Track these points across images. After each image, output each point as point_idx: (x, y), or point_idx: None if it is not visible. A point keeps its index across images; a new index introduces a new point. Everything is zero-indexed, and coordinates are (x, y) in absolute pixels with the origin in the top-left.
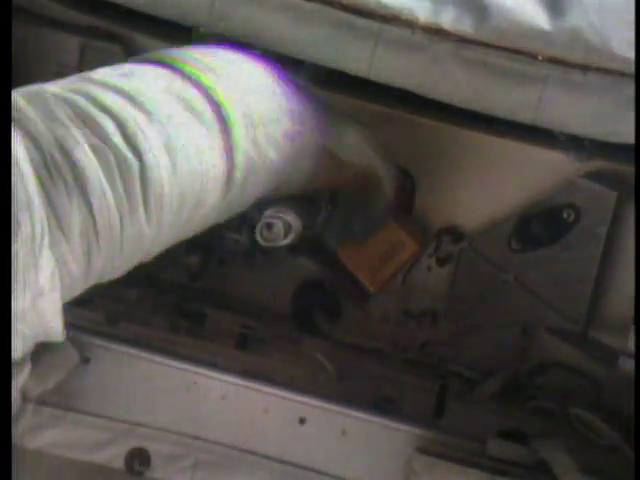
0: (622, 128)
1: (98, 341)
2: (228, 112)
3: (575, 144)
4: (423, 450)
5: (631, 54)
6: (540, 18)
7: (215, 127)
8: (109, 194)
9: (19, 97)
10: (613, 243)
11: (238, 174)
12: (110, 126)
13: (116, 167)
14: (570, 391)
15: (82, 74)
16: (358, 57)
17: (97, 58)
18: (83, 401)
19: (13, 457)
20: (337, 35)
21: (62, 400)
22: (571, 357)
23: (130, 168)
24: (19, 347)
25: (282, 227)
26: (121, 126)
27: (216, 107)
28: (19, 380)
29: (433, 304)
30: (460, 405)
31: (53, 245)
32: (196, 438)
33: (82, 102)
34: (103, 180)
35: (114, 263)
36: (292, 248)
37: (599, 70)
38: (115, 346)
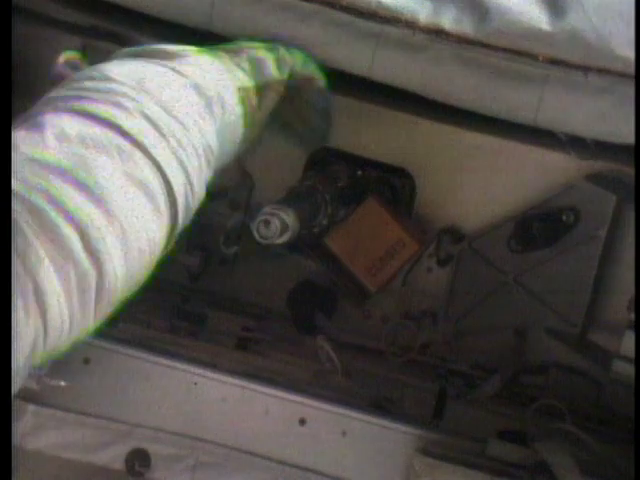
0: (622, 128)
1: (98, 342)
2: (167, 174)
3: (576, 145)
4: (423, 451)
5: (631, 54)
6: (540, 19)
7: (162, 201)
8: (65, 308)
9: None
10: (612, 245)
11: (180, 221)
12: (73, 239)
13: (75, 281)
14: (570, 392)
15: (30, 149)
16: (359, 58)
17: (97, 58)
18: (83, 402)
19: (13, 458)
20: (338, 36)
21: (62, 401)
22: (569, 359)
23: (88, 279)
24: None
25: (279, 225)
26: (83, 236)
27: (160, 174)
28: (18, 381)
29: (433, 305)
30: (460, 406)
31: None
32: (196, 439)
33: (43, 206)
34: (62, 297)
35: (55, 351)
36: (292, 248)
37: (599, 70)
38: (115, 347)
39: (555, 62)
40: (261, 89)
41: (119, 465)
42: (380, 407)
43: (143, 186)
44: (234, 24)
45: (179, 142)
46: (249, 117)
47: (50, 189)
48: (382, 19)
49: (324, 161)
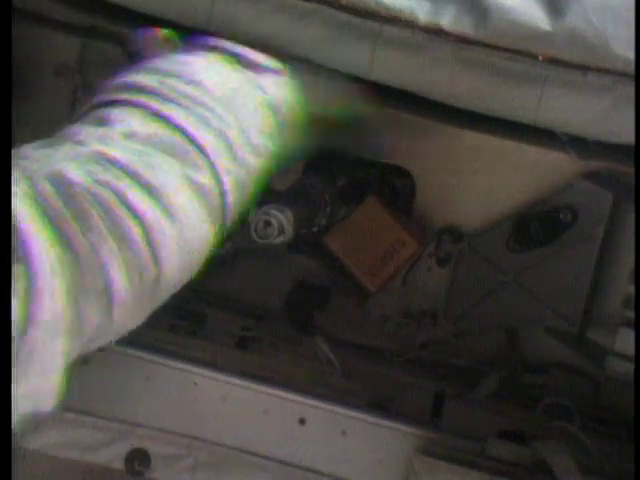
0: (622, 128)
1: None
2: (224, 182)
3: (575, 144)
4: (423, 450)
5: (631, 54)
6: (540, 18)
7: (216, 205)
8: (128, 301)
9: (46, 183)
10: (610, 243)
11: (228, 225)
12: (139, 236)
13: (138, 277)
14: (570, 392)
15: (97, 145)
16: (358, 57)
17: (97, 58)
18: (83, 401)
19: (13, 458)
20: (337, 35)
21: (61, 400)
22: (567, 357)
23: (148, 275)
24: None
25: (277, 224)
26: (146, 234)
27: (217, 181)
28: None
29: (433, 304)
30: (460, 405)
31: (67, 335)
32: (196, 439)
33: (111, 201)
34: (127, 291)
35: (105, 343)
36: (292, 248)
37: (599, 70)
38: (114, 346)
39: (555, 62)
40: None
41: (119, 465)
42: (380, 407)
43: (199, 189)
44: (234, 24)
45: (247, 169)
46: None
47: (119, 186)
48: (381, 18)
49: (324, 161)
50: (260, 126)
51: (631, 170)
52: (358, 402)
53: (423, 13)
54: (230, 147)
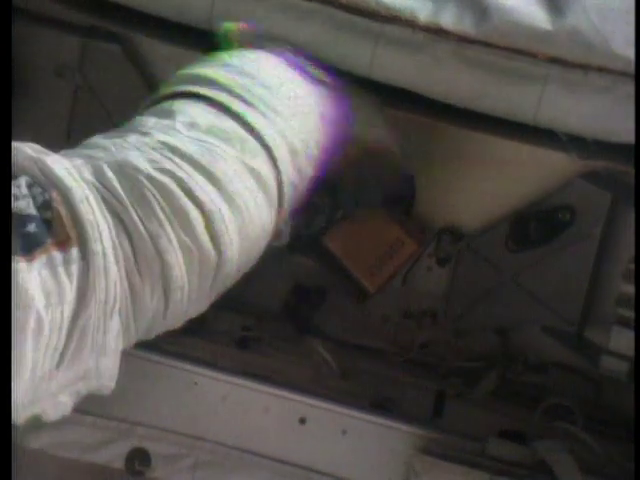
0: (622, 127)
1: None
2: (281, 171)
3: (575, 143)
4: (423, 450)
5: (631, 54)
6: (540, 18)
7: (274, 193)
8: (186, 287)
9: (109, 171)
10: (607, 243)
11: (286, 210)
12: (199, 222)
13: (198, 263)
14: (570, 392)
15: (162, 136)
16: (358, 56)
17: (97, 58)
18: (83, 401)
19: (14, 457)
20: (337, 34)
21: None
22: (566, 357)
23: (210, 263)
24: (70, 404)
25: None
26: (208, 220)
27: (275, 169)
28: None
29: (433, 304)
30: (460, 405)
31: (124, 315)
32: (196, 438)
33: (172, 188)
34: (185, 277)
35: (168, 328)
36: (292, 248)
37: (599, 70)
38: None
39: (555, 61)
40: None
41: (119, 464)
42: (380, 406)
43: (258, 176)
44: None
45: (302, 177)
46: None
47: (180, 173)
48: (382, 18)
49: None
50: (315, 138)
51: (631, 169)
52: (358, 402)
53: (423, 13)
54: (293, 152)
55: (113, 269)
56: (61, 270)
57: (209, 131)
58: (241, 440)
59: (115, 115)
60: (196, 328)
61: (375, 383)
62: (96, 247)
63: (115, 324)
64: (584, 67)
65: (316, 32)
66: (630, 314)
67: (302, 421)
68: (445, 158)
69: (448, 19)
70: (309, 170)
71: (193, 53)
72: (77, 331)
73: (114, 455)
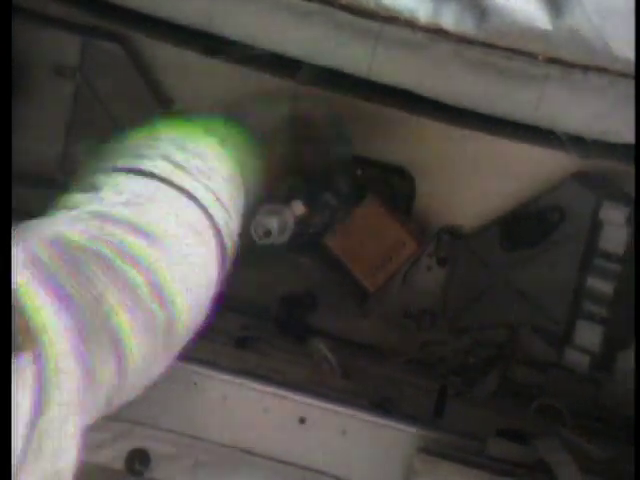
0: (622, 127)
1: None
2: (217, 222)
3: (575, 144)
4: (424, 450)
5: (631, 54)
6: (540, 18)
7: (212, 244)
8: (137, 351)
9: (45, 250)
10: (593, 244)
11: (228, 253)
12: (139, 281)
13: (144, 323)
14: (569, 391)
15: (89, 207)
16: (358, 57)
17: (98, 58)
18: None
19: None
20: (337, 35)
21: None
22: (552, 357)
23: (157, 322)
24: None
25: (277, 224)
26: (148, 279)
27: (213, 223)
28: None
29: (433, 304)
30: (460, 404)
31: (81, 403)
32: (196, 438)
33: (107, 253)
34: (136, 343)
35: (129, 397)
36: (291, 248)
37: (599, 70)
38: None
39: (555, 61)
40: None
41: (119, 465)
42: (380, 406)
43: (194, 230)
44: (233, 24)
45: (231, 235)
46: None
47: (112, 238)
48: (382, 18)
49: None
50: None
51: (631, 170)
52: (359, 402)
53: (423, 13)
54: (225, 199)
55: (67, 360)
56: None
57: (137, 195)
58: (241, 440)
59: (116, 115)
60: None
61: (374, 383)
62: (44, 339)
63: (74, 423)
64: (584, 67)
65: (315, 32)
66: (594, 308)
67: (302, 421)
68: (445, 158)
69: (448, 19)
70: (245, 207)
71: (193, 53)
72: (36, 435)
73: (114, 455)
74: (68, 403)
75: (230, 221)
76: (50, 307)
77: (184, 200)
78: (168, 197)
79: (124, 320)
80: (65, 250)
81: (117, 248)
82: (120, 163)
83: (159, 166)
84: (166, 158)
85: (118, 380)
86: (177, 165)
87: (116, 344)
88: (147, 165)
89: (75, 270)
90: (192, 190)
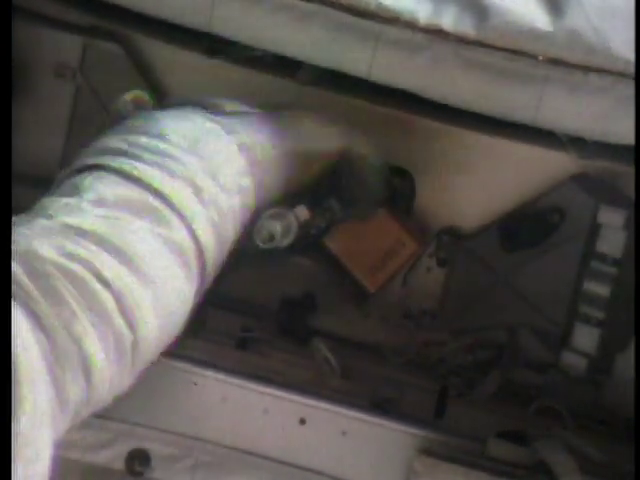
0: (622, 128)
1: None
2: (199, 237)
3: (575, 144)
4: (424, 451)
5: (631, 54)
6: (540, 19)
7: (192, 260)
8: (106, 371)
9: (17, 267)
10: (590, 247)
11: (207, 283)
12: (110, 303)
13: (114, 346)
14: (569, 392)
15: (67, 218)
16: (358, 58)
17: (98, 58)
18: None
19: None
20: (337, 36)
21: None
22: (551, 358)
23: (125, 343)
24: None
25: (280, 228)
26: (119, 302)
27: (192, 237)
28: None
29: (433, 304)
30: (461, 406)
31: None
32: (196, 439)
33: (79, 272)
34: (103, 361)
35: (96, 409)
36: (292, 248)
37: (599, 70)
38: None
39: (555, 62)
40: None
41: (119, 465)
42: (380, 407)
43: (177, 250)
44: (233, 25)
45: (219, 210)
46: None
47: (86, 255)
48: (382, 19)
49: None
50: (228, 166)
51: (631, 171)
52: (359, 403)
53: (423, 14)
54: (198, 191)
55: (41, 376)
56: None
57: (117, 205)
58: (241, 441)
59: None
60: (196, 328)
61: (374, 384)
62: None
63: (46, 432)
64: (584, 68)
65: (315, 33)
66: (591, 311)
67: (302, 422)
68: (445, 158)
69: (448, 20)
70: (225, 199)
71: (194, 54)
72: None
73: (114, 455)
74: (35, 414)
75: (212, 219)
76: (24, 329)
77: (164, 212)
78: (155, 212)
79: (94, 340)
80: (38, 268)
81: (90, 267)
82: (115, 163)
83: (140, 166)
84: (162, 166)
85: (87, 396)
86: (159, 164)
87: (86, 366)
88: (140, 171)
89: (49, 290)
90: (182, 210)
